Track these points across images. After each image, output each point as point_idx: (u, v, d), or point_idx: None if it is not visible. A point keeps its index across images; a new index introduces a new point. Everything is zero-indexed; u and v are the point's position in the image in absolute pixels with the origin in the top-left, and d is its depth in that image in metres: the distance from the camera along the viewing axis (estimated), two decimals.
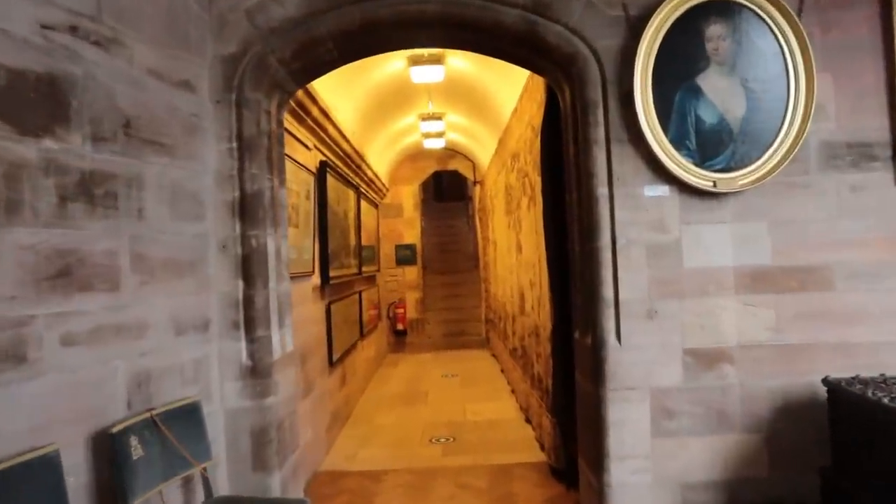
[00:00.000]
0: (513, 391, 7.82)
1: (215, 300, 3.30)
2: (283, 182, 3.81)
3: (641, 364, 3.34)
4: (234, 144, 3.36)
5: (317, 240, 5.60)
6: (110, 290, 2.58)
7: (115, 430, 2.46)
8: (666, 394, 3.35)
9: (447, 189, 17.34)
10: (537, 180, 4.90)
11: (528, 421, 6.38)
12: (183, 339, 3.04)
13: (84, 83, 2.49)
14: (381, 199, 11.34)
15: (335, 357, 6.14)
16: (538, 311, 5.28)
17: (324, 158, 5.99)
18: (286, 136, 4.81)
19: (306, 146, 5.40)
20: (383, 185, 10.81)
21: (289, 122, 4.82)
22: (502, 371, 9.28)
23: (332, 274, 6.04)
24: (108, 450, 2.45)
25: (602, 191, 3.39)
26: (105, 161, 2.57)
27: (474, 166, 12.05)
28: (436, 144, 10.68)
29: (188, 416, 2.93)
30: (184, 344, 3.05)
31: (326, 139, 5.94)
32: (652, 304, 3.36)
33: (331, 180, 6.15)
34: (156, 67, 2.91)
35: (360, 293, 8.12)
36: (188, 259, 3.13)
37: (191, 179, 3.17)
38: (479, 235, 12.36)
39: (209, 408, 3.18)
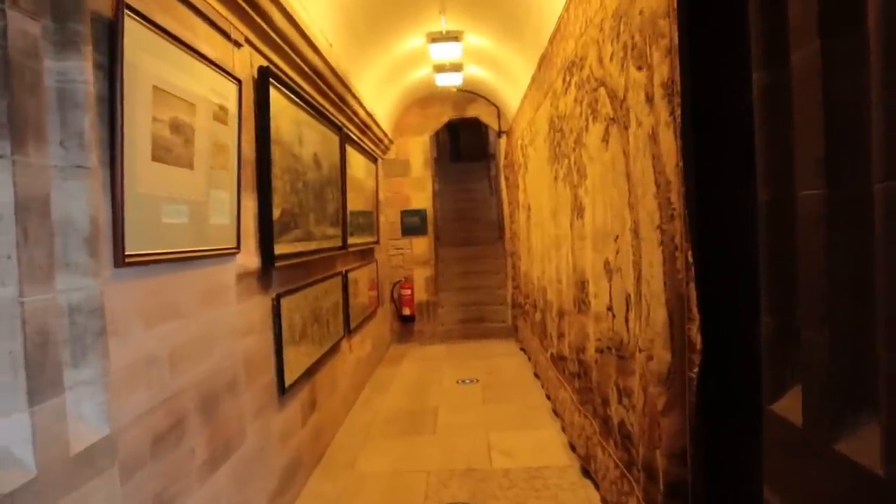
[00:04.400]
0: (555, 411, 5.64)
1: None
2: (78, 43, 1.59)
3: None
4: None
5: (247, 193, 3.38)
6: None
7: None
8: None
9: (465, 147, 15.06)
10: (639, 79, 2.62)
11: (586, 473, 4.20)
12: None
13: None
14: (383, 152, 9.07)
15: (289, 381, 3.95)
16: (627, 318, 3.04)
17: (266, 64, 3.73)
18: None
19: (225, 34, 3.14)
20: (384, 134, 8.53)
21: None
22: (536, 375, 7.09)
23: (283, 250, 3.83)
24: None
25: None
26: None
27: (499, 113, 9.68)
28: (451, 81, 8.33)
29: None
30: None
31: (271, 33, 3.67)
32: None
33: (281, 101, 3.89)
34: None
35: (344, 274, 5.91)
36: None
37: None
38: (505, 199, 10.04)
39: None
